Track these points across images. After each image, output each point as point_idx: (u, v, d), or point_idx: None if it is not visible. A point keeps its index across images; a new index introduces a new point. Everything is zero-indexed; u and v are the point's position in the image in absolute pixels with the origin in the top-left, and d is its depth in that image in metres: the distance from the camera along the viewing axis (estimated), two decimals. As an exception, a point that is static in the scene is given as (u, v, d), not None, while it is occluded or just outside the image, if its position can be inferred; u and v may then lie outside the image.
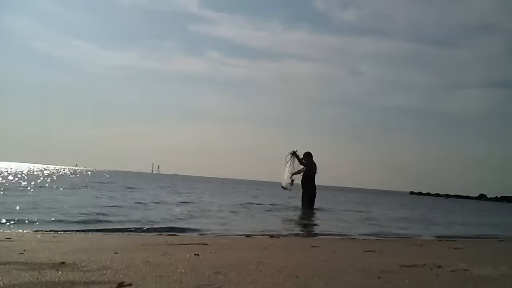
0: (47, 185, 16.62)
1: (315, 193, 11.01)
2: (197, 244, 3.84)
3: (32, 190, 12.89)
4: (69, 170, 67.62)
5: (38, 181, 19.10)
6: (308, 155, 10.89)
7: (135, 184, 23.23)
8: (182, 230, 5.78)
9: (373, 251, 3.84)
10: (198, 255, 3.00)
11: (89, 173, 55.36)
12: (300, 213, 10.09)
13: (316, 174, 10.94)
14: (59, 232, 4.80)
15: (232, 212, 9.47)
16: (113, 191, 14.80)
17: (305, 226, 7.93)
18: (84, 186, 17.21)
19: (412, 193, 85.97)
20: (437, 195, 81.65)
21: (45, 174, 34.77)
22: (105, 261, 2.53)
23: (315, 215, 9.79)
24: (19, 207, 7.23)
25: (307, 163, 10.81)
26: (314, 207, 10.98)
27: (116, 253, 2.96)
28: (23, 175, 27.85)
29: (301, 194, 10.98)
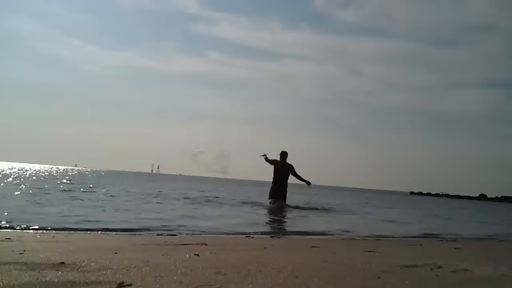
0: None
1: (284, 189, 11.22)
2: (197, 244, 3.84)
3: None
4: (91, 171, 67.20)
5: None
6: (283, 154, 11.15)
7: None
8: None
9: (373, 251, 3.84)
10: (198, 255, 2.99)
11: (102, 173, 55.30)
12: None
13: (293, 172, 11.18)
14: (59, 232, 4.80)
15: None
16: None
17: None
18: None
19: (412, 193, 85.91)
20: (437, 195, 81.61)
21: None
22: (105, 261, 2.53)
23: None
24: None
25: (276, 162, 11.10)
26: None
27: (116, 253, 2.96)
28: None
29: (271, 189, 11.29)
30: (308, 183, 11.20)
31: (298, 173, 11.05)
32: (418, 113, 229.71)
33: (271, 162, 11.01)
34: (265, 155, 10.93)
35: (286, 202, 11.14)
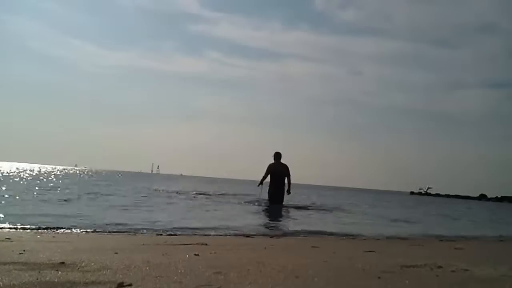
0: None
1: (281, 190, 11.27)
2: (197, 244, 3.84)
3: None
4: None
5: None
6: (277, 156, 11.27)
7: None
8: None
9: (373, 251, 3.84)
10: (198, 255, 3.00)
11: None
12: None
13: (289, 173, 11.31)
14: (59, 232, 4.80)
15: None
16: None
17: None
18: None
19: (412, 193, 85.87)
20: (438, 195, 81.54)
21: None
22: (105, 261, 2.53)
23: None
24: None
25: (270, 166, 11.26)
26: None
27: (116, 253, 2.96)
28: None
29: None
30: (288, 192, 11.23)
31: (291, 175, 11.14)
32: (418, 113, 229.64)
33: (266, 172, 11.20)
34: (259, 184, 11.37)
35: (284, 203, 11.17)
